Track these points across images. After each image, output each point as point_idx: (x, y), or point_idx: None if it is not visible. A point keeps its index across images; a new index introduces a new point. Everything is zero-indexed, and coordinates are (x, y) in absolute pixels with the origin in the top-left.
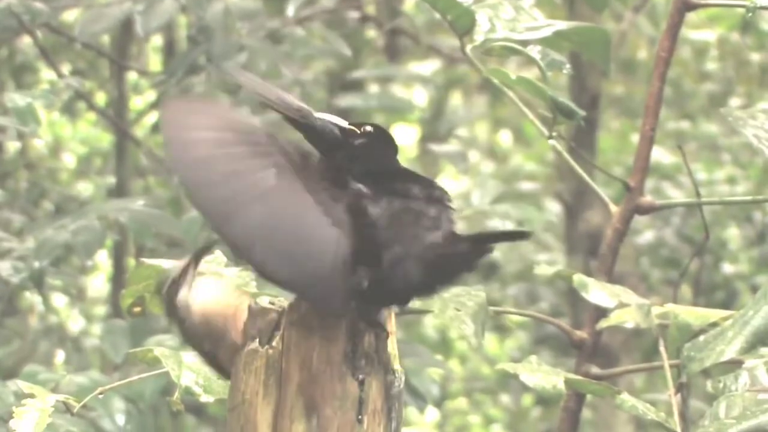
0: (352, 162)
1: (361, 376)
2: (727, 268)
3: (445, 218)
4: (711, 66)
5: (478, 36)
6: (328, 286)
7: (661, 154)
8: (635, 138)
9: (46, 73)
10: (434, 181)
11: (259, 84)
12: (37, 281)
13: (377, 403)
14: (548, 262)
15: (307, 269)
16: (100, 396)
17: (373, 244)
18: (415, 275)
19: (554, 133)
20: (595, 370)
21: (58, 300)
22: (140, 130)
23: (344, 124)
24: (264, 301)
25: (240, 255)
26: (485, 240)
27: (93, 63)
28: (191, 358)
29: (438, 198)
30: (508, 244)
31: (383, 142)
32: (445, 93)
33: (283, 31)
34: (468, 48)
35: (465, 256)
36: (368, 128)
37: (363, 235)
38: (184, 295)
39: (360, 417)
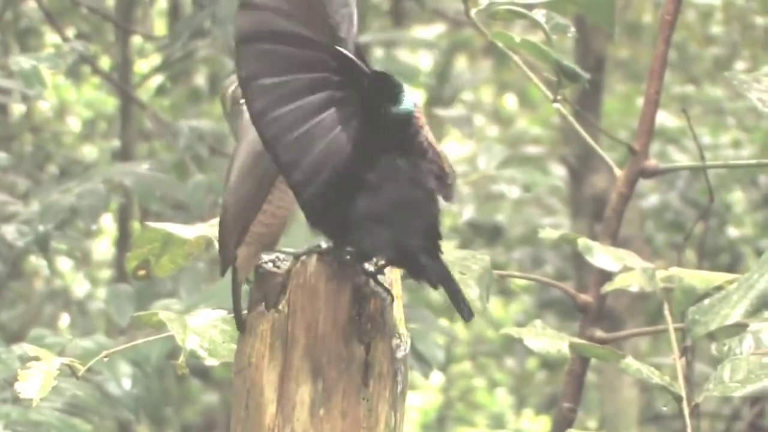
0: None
1: (367, 340)
2: (732, 231)
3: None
4: (716, 29)
5: None
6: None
7: (665, 118)
8: (640, 101)
9: (51, 37)
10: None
11: None
12: (42, 245)
13: (383, 367)
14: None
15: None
16: (106, 359)
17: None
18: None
19: (559, 97)
20: (599, 333)
21: (63, 264)
22: (145, 94)
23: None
24: (269, 265)
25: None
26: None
27: (98, 27)
28: (197, 321)
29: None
30: (512, 206)
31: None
32: (450, 57)
33: None
34: (473, 12)
35: None
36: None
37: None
38: None
39: (366, 380)
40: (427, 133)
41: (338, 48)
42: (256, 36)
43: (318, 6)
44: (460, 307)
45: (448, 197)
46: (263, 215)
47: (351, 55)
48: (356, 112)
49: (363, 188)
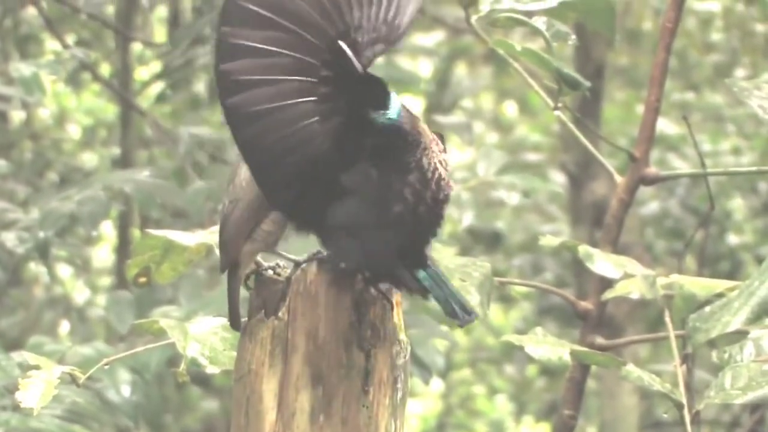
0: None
1: (367, 347)
2: (732, 238)
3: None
4: (716, 37)
5: (483, 7)
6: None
7: (666, 125)
8: (640, 109)
9: (51, 44)
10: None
11: None
12: (42, 252)
13: (383, 374)
14: (553, 233)
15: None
16: (106, 367)
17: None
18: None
19: (559, 104)
20: (600, 340)
21: (63, 270)
22: (145, 101)
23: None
24: (269, 272)
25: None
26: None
27: (98, 34)
28: (197, 328)
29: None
30: (512, 213)
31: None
32: (450, 64)
33: None
34: (473, 19)
35: None
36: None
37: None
38: None
39: (366, 387)
40: (426, 147)
41: (338, 42)
42: (241, 26)
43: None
44: (449, 315)
45: (431, 212)
46: (275, 214)
47: (348, 51)
48: (339, 112)
49: (337, 195)
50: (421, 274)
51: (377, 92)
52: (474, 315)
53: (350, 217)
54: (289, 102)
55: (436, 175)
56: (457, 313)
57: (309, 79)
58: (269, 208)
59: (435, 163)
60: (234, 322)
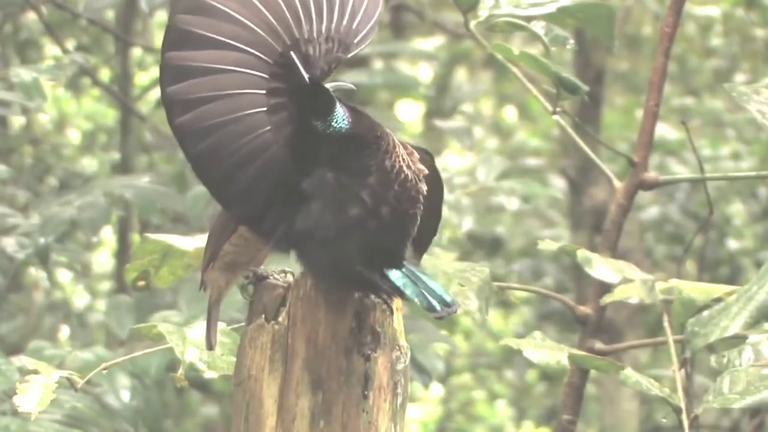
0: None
1: (367, 352)
2: (732, 243)
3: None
4: (715, 42)
5: (483, 12)
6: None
7: (665, 130)
8: (640, 114)
9: (51, 49)
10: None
11: None
12: (42, 257)
13: (383, 379)
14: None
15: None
16: (105, 372)
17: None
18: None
19: (559, 109)
20: (599, 345)
21: (63, 276)
22: (145, 106)
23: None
24: (270, 278)
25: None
26: None
27: (97, 39)
28: (196, 333)
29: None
30: (511, 218)
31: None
32: (450, 69)
33: None
34: (472, 24)
35: None
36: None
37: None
38: None
39: (366, 392)
40: (388, 150)
41: (288, 54)
42: (185, 49)
43: (281, 13)
44: (428, 308)
45: (396, 213)
46: (234, 236)
47: (297, 62)
48: (291, 122)
49: (300, 204)
50: (394, 273)
51: (321, 102)
52: (455, 306)
53: (313, 223)
54: (239, 114)
55: (401, 176)
56: (434, 306)
57: (258, 91)
58: (228, 232)
59: (400, 165)
60: (207, 341)
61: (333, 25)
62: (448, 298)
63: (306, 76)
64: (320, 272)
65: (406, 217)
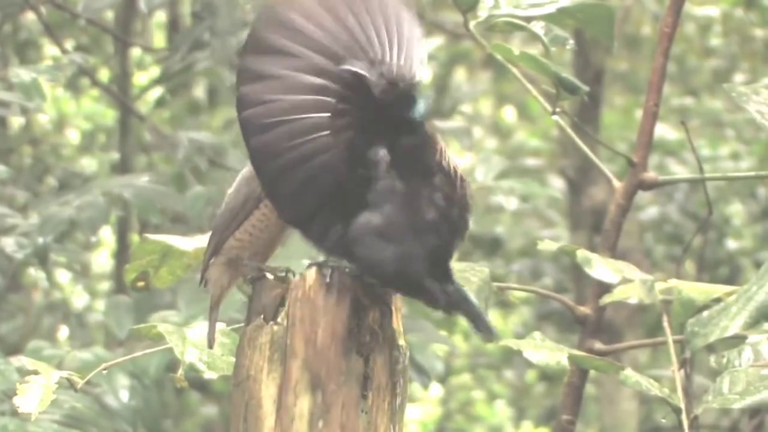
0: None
1: (365, 352)
2: (731, 243)
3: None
4: (715, 42)
5: (482, 12)
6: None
7: (664, 130)
8: (639, 114)
9: (50, 49)
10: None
11: None
12: (41, 257)
13: (382, 379)
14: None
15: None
16: (104, 372)
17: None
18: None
19: (558, 109)
20: (598, 345)
21: (62, 276)
22: (144, 106)
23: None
24: (269, 278)
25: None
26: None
27: (97, 39)
28: (195, 333)
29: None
30: (511, 219)
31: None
32: (449, 69)
33: None
34: (472, 24)
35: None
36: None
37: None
38: None
39: (365, 393)
40: (444, 155)
41: (348, 67)
42: (264, 55)
43: (344, 24)
44: (479, 330)
45: (462, 216)
46: (238, 231)
47: (361, 72)
48: (351, 128)
49: (362, 207)
50: (450, 288)
51: (403, 95)
52: (496, 332)
53: (382, 223)
54: (302, 116)
55: (459, 175)
56: (491, 328)
57: (326, 98)
58: (233, 227)
59: (455, 165)
60: (209, 338)
61: (396, 57)
62: (488, 319)
63: (373, 80)
64: (384, 278)
65: (467, 220)
